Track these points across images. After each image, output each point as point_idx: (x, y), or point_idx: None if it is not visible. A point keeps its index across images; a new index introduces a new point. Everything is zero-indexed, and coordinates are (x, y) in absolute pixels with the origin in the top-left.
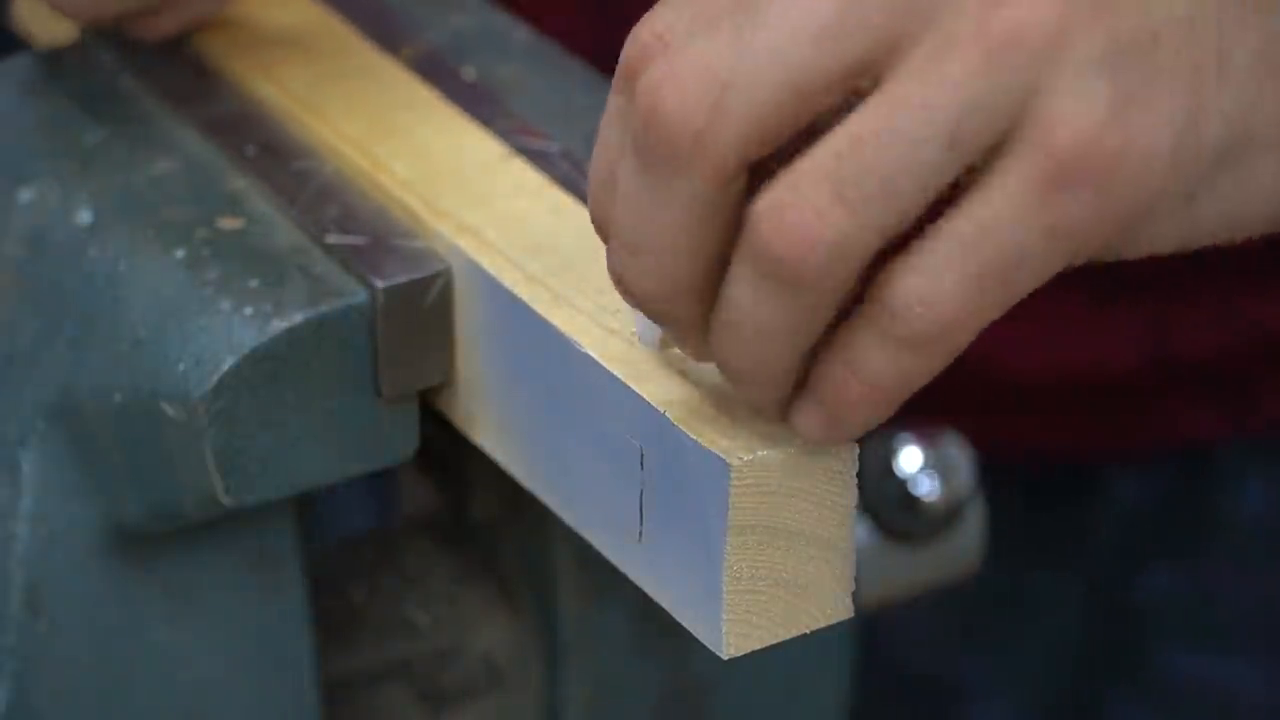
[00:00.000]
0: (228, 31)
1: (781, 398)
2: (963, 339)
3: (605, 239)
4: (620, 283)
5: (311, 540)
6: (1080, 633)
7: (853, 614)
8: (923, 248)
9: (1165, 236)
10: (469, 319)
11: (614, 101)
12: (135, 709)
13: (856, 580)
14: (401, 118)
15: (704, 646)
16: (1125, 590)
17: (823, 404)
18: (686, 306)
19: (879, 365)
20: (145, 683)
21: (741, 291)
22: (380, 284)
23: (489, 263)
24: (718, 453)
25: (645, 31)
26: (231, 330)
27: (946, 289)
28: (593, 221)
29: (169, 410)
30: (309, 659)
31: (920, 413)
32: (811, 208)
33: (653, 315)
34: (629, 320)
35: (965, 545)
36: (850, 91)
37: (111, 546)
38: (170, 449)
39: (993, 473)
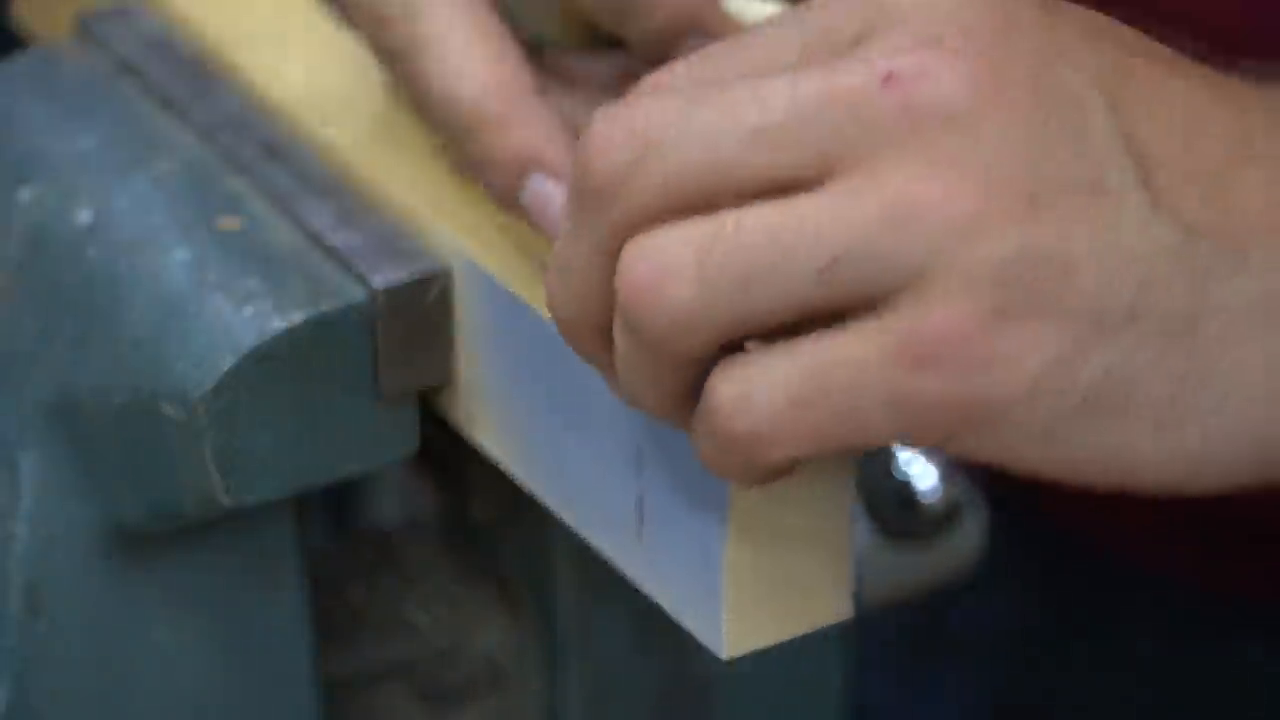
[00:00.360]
0: (228, 30)
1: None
2: (771, 457)
3: None
4: (548, 296)
5: (313, 540)
6: None
7: (853, 614)
8: (759, 357)
9: (1022, 459)
10: (469, 319)
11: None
12: (135, 709)
13: (856, 580)
14: (402, 117)
15: (704, 646)
16: None
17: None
18: (591, 342)
19: (705, 450)
20: (145, 683)
21: (617, 336)
22: (380, 284)
23: (489, 263)
24: None
25: (645, 83)
26: (231, 330)
27: (761, 405)
28: None
29: (169, 410)
30: (309, 659)
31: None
32: (665, 270)
33: (572, 347)
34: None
35: (965, 545)
36: (765, 192)
37: (111, 546)
38: (170, 449)
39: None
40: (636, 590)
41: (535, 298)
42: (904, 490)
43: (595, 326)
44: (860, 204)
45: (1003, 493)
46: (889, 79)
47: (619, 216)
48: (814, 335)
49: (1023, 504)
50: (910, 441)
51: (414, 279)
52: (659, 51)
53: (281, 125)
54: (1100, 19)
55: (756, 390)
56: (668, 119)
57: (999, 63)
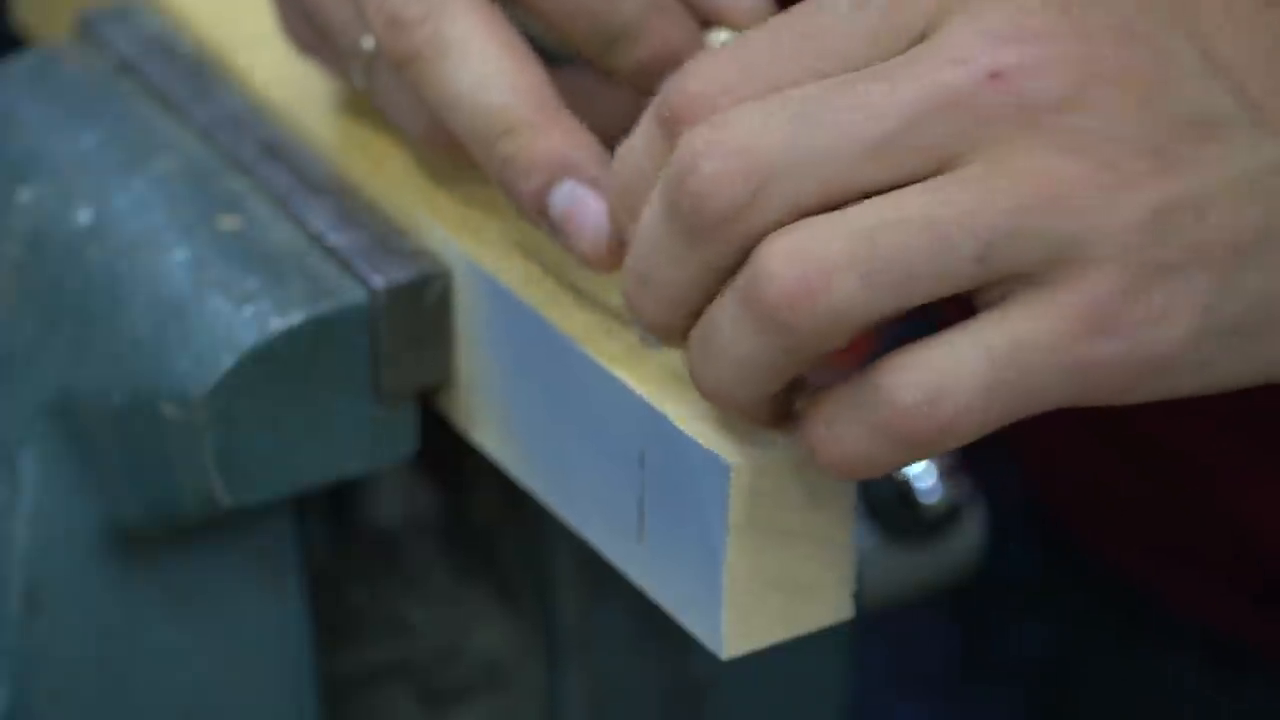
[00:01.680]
0: (228, 30)
1: (760, 418)
2: (949, 447)
3: (618, 234)
4: (627, 299)
5: (313, 540)
6: None
7: (853, 614)
8: (943, 347)
9: (1180, 391)
10: (469, 319)
11: (649, 129)
12: (135, 709)
13: (856, 580)
14: None
15: (704, 646)
16: None
17: (806, 439)
18: (680, 341)
19: (854, 441)
20: (145, 683)
21: (723, 318)
22: (380, 284)
23: (489, 263)
24: (718, 453)
25: (695, 83)
26: (231, 330)
27: (959, 392)
28: (610, 215)
29: (169, 410)
30: (309, 659)
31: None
32: (826, 269)
33: (655, 334)
34: (630, 321)
35: (965, 545)
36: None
37: (111, 546)
38: (170, 449)
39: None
40: (637, 590)
41: (535, 298)
42: (904, 490)
43: (684, 330)
44: (1004, 188)
45: (1054, 526)
46: (996, 76)
47: (740, 241)
48: (991, 319)
49: (1071, 538)
50: (1082, 403)
51: (414, 279)
52: (644, 83)
53: (281, 125)
54: None
55: (947, 386)
56: (776, 144)
57: (1086, 34)
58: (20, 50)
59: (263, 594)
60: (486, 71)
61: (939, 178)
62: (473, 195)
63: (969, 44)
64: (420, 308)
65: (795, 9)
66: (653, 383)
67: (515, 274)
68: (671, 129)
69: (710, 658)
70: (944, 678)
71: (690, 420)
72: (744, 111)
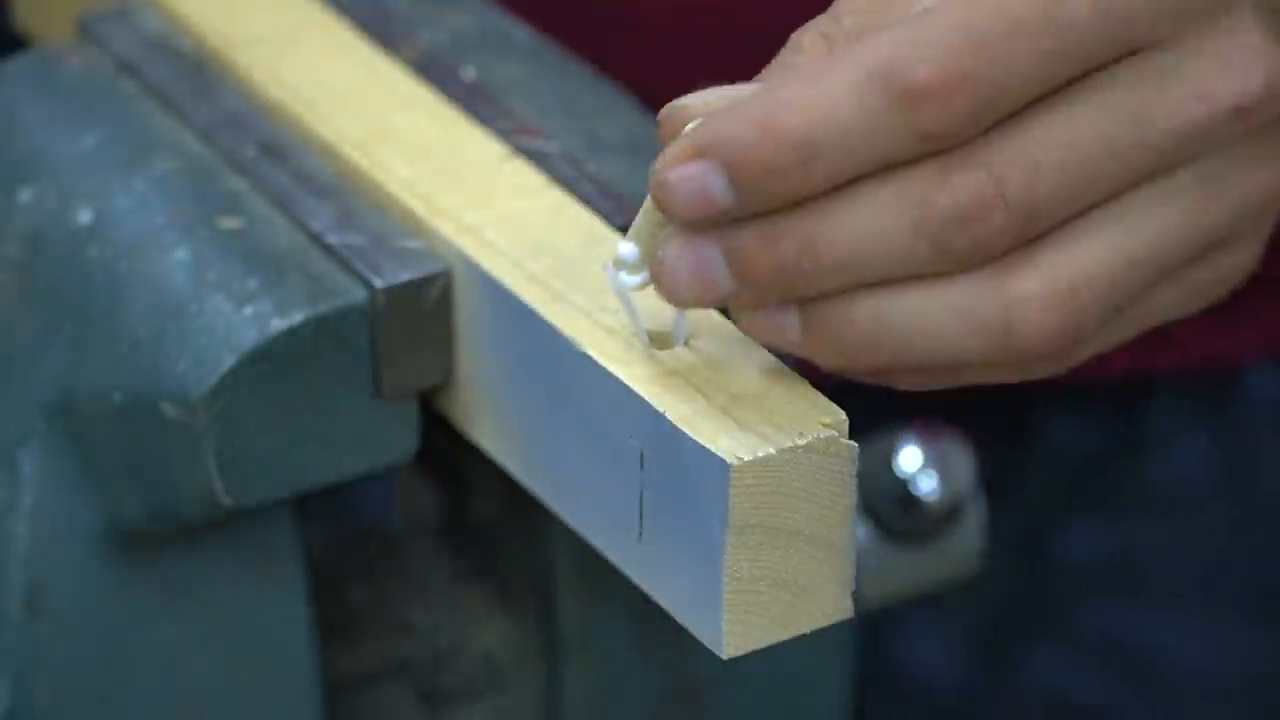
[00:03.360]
0: (227, 31)
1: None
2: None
3: (760, 178)
4: (781, 274)
5: (313, 540)
6: (1006, 582)
7: (853, 614)
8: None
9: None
10: (469, 319)
11: (868, 90)
12: (135, 708)
13: (856, 580)
14: (401, 118)
15: (704, 646)
16: (1053, 543)
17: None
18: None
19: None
20: (145, 682)
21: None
22: (380, 284)
23: (489, 263)
24: (717, 452)
25: (935, 63)
26: (231, 330)
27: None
28: (759, 148)
29: (169, 410)
30: (309, 659)
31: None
32: (1082, 312)
33: (769, 291)
34: (628, 320)
35: (965, 545)
36: None
37: (111, 546)
38: (170, 449)
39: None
40: (637, 590)
41: (535, 298)
42: (904, 490)
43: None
44: (1212, 206)
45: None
46: (1239, 111)
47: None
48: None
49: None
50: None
51: (414, 279)
52: None
53: (281, 125)
54: None
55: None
56: (1046, 194)
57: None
58: (20, 50)
59: (263, 594)
60: None
61: (1155, 200)
62: (473, 195)
63: (1211, 79)
64: (420, 308)
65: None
66: (653, 383)
67: (515, 274)
68: (906, 104)
69: (710, 658)
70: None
71: (690, 420)
72: (1012, 158)
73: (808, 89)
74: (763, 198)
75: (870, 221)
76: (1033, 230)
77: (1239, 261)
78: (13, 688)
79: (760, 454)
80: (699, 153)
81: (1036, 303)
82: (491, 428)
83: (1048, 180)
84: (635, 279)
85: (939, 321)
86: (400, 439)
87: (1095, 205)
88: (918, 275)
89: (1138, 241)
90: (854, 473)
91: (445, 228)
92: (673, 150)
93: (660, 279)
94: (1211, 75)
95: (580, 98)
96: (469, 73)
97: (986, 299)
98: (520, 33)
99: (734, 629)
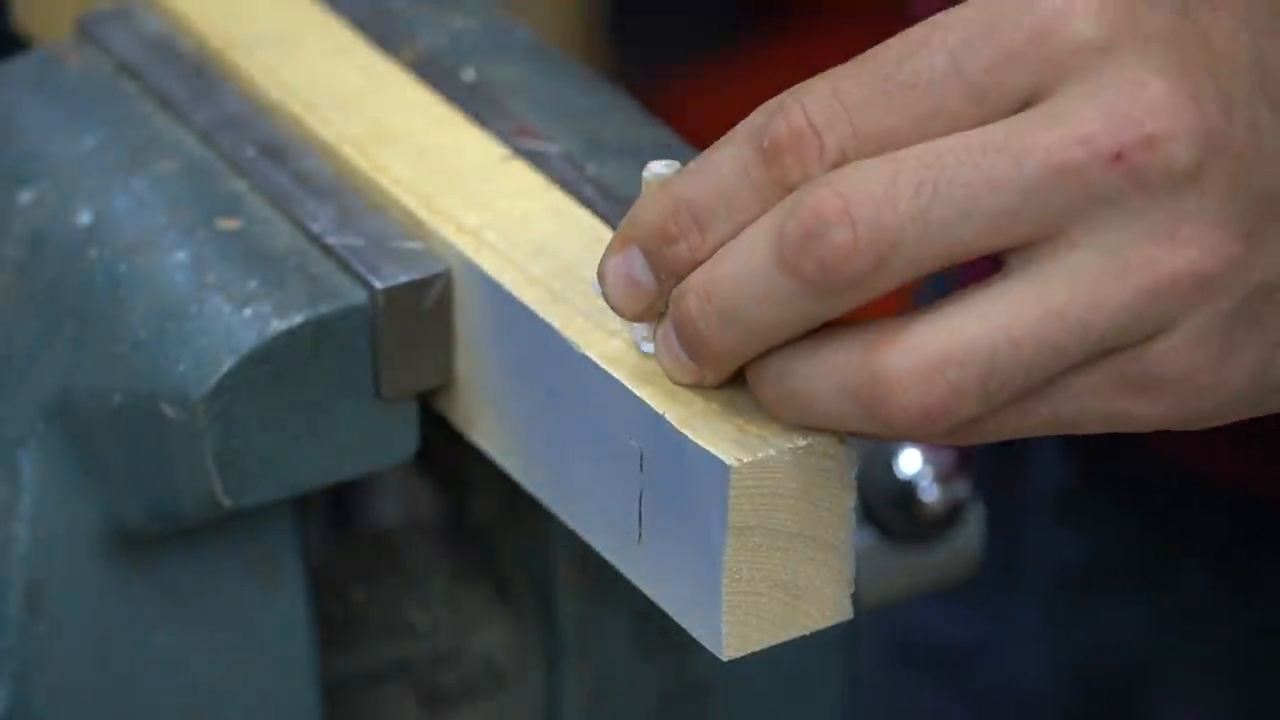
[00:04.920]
0: (227, 32)
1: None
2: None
3: (667, 244)
4: (690, 327)
5: (313, 540)
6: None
7: (852, 615)
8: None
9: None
10: (469, 320)
11: (742, 152)
12: (135, 709)
13: (856, 581)
14: (401, 118)
15: (704, 647)
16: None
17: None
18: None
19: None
20: (145, 683)
21: (814, 377)
22: (380, 285)
23: (489, 264)
24: (717, 454)
25: (798, 117)
26: (231, 331)
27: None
28: (664, 223)
29: (168, 411)
30: (309, 659)
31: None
32: (955, 394)
33: (718, 365)
34: (628, 323)
35: (965, 546)
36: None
37: (111, 547)
38: (169, 450)
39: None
40: (637, 591)
41: (535, 299)
42: (904, 490)
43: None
44: (1120, 285)
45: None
46: (1118, 158)
47: (850, 304)
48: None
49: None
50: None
51: (414, 280)
52: None
53: (281, 125)
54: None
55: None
56: (904, 217)
57: (1200, 107)
58: (20, 50)
59: (263, 594)
60: None
61: (1049, 275)
62: (473, 197)
63: (1090, 121)
64: (420, 309)
65: (882, 49)
66: (653, 384)
67: (515, 275)
68: (771, 160)
69: (710, 658)
70: (975, 583)
71: (689, 422)
72: (867, 176)
73: (701, 160)
74: (668, 267)
75: (748, 263)
76: (891, 254)
77: (1191, 362)
78: (13, 688)
79: (760, 456)
80: (625, 241)
81: (904, 376)
82: (491, 429)
83: (903, 197)
84: None
85: (820, 388)
86: (400, 440)
87: (968, 245)
88: (802, 328)
89: (1023, 319)
90: (853, 474)
91: (445, 229)
92: (610, 243)
93: (603, 291)
94: (1091, 117)
95: (580, 98)
96: (469, 74)
97: (855, 369)
98: (520, 33)
99: (734, 630)
